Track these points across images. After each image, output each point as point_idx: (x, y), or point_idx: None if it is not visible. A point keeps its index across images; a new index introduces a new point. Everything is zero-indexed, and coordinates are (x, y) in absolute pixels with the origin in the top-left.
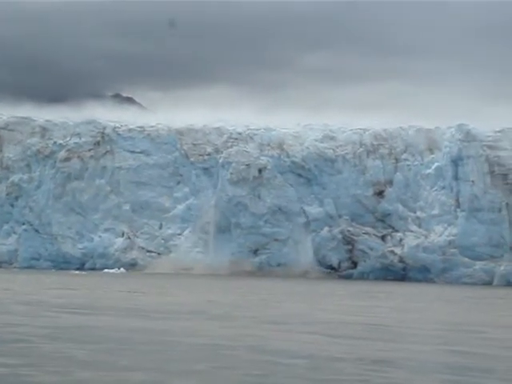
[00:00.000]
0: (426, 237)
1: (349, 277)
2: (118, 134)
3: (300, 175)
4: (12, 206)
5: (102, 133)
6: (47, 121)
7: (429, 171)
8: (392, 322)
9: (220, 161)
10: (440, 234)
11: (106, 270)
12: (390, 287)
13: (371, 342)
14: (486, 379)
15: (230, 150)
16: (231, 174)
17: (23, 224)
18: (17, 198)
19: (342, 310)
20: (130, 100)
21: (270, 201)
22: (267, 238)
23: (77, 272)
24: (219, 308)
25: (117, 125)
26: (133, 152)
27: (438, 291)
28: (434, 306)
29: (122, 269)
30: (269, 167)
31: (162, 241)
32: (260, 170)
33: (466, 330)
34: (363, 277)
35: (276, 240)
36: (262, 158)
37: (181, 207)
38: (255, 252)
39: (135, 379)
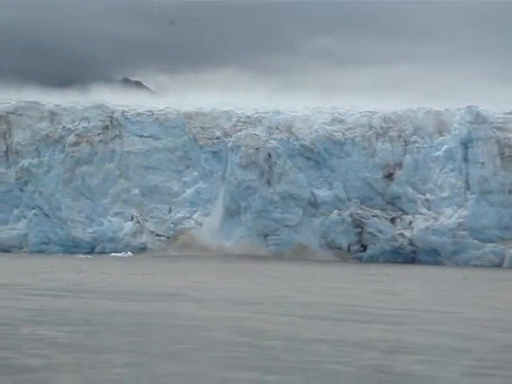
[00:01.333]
0: (436, 219)
1: (359, 260)
2: (127, 118)
3: (309, 158)
4: (22, 190)
5: (111, 117)
6: (56, 105)
7: (438, 153)
8: (375, 303)
9: (229, 145)
10: (450, 217)
11: (113, 254)
12: (397, 270)
13: (350, 324)
14: (462, 359)
15: (239, 133)
16: (240, 157)
17: (33, 209)
18: (26, 183)
19: (329, 293)
20: (138, 84)
21: (279, 185)
22: (277, 223)
23: (83, 256)
24: (204, 291)
25: (125, 109)
26: (141, 136)
27: (443, 273)
28: (428, 288)
29: (129, 252)
30: (278, 151)
31: (172, 225)
32: (269, 154)
33: (447, 311)
34: (373, 260)
35: (286, 226)
36: (272, 141)
37: (190, 191)
38: (265, 237)
39: (115, 361)
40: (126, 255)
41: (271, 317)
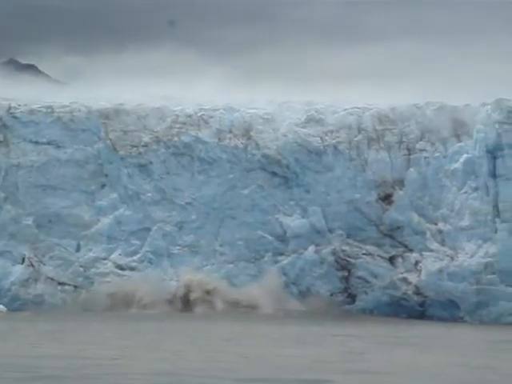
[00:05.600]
0: (453, 258)
1: (346, 315)
2: (15, 118)
3: (274, 174)
4: None
5: None
6: None
7: (455, 166)
8: (206, 371)
9: None
10: (472, 255)
11: None
12: (386, 329)
13: None
14: None
15: None
16: None
17: None
18: None
19: (186, 358)
20: (31, 68)
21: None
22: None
23: None
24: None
25: (12, 104)
26: (37, 143)
27: (458, 334)
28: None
29: (1, 306)
30: None
31: (81, 268)
32: None
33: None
34: (365, 314)
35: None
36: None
37: (107, 220)
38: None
39: None
40: None
41: None
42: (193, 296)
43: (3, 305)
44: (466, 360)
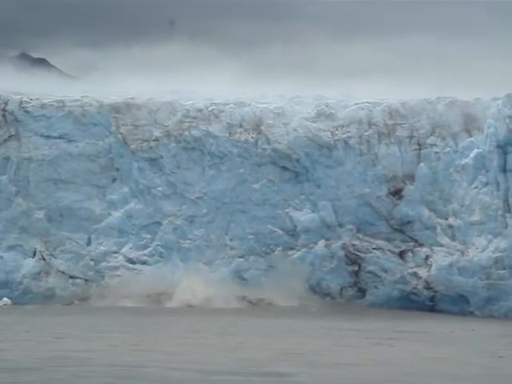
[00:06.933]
0: (463, 253)
1: (355, 309)
2: (27, 112)
3: (285, 168)
4: None
5: (3, 110)
6: None
7: (466, 161)
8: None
9: None
10: (482, 250)
11: None
12: (395, 324)
13: None
14: None
15: None
16: None
17: None
18: None
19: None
20: (43, 62)
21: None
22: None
23: None
24: None
25: (24, 98)
26: (48, 137)
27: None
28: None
29: (5, 299)
30: None
31: (91, 262)
32: None
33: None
34: (375, 308)
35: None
36: None
37: (118, 214)
38: None
39: None
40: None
41: None
42: (196, 301)
43: (8, 297)
44: (449, 354)
